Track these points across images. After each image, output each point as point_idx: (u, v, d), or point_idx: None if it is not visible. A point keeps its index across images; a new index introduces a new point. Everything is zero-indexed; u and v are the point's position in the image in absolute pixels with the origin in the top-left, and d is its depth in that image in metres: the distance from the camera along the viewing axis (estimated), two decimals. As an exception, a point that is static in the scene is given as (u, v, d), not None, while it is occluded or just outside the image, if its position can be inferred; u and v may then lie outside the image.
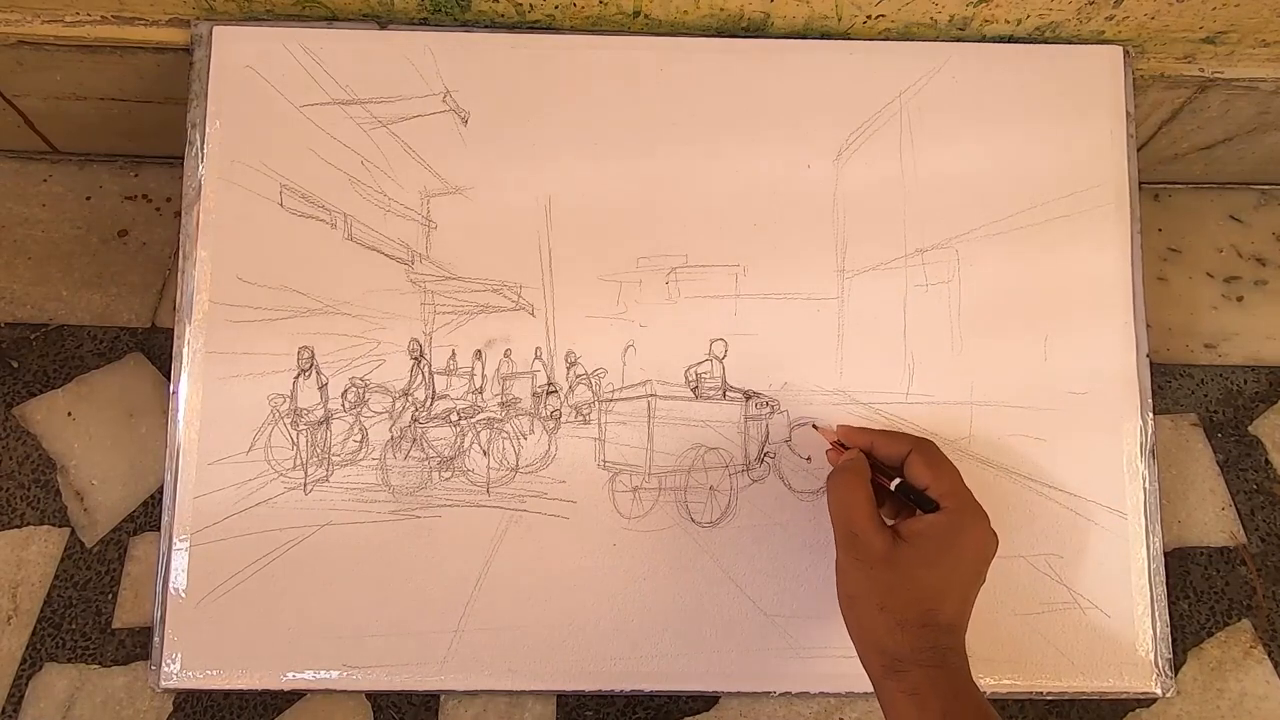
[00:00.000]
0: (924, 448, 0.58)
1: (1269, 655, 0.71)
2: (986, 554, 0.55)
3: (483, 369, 0.65)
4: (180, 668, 0.61)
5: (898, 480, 0.57)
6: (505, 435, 0.65)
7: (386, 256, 0.65)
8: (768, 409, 0.65)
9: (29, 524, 0.71)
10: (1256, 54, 0.69)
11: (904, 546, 0.54)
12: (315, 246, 0.65)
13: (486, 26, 0.67)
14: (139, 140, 0.78)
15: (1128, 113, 0.68)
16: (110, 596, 0.69)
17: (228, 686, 0.62)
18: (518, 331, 0.65)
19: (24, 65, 0.69)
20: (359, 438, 0.64)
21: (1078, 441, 0.65)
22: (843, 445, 0.61)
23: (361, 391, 0.65)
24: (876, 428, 0.62)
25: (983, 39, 0.68)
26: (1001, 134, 0.67)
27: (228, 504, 0.62)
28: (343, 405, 0.64)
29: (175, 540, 0.62)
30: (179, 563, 0.62)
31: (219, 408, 0.63)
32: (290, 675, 0.62)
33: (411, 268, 0.65)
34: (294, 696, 0.67)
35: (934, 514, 0.55)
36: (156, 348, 0.75)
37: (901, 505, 0.59)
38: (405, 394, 0.65)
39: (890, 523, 0.56)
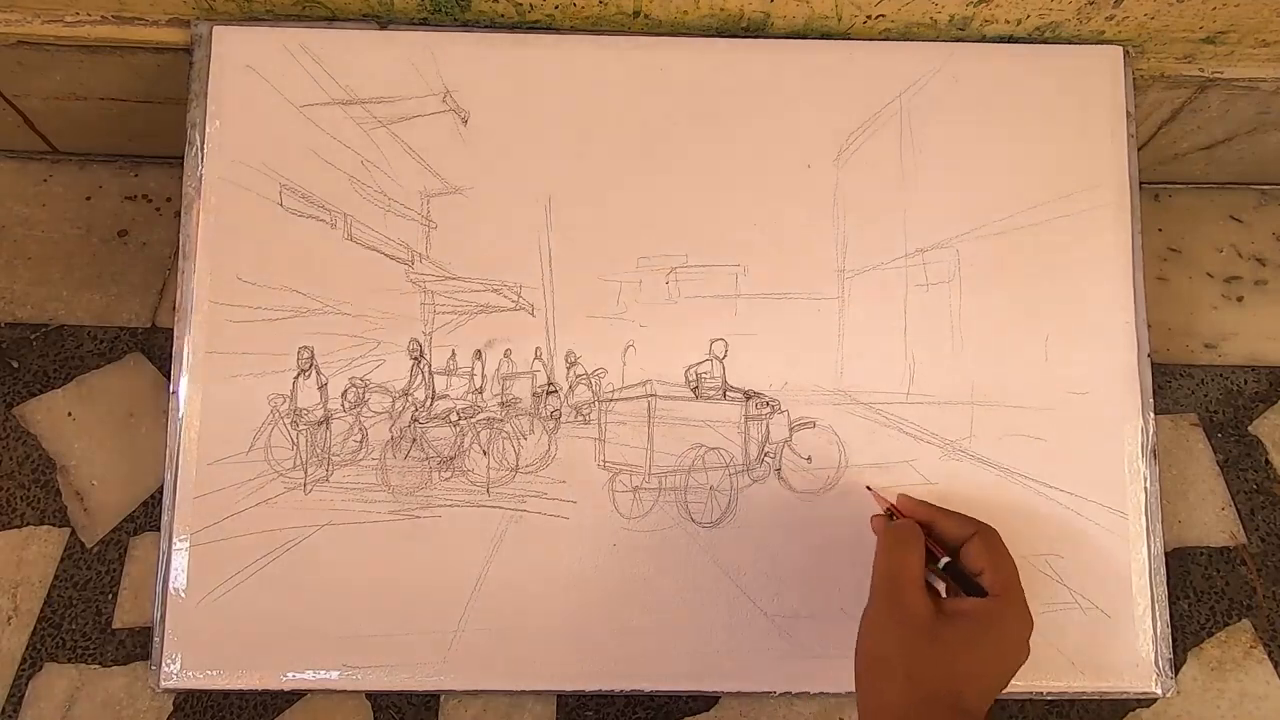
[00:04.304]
0: (988, 535, 0.57)
1: (1269, 655, 0.71)
2: (1023, 652, 0.54)
3: (483, 369, 0.65)
4: (180, 668, 0.61)
5: (947, 560, 0.56)
6: (505, 435, 0.65)
7: (386, 256, 0.65)
8: (768, 409, 0.65)
9: (29, 524, 0.71)
10: (1256, 54, 0.69)
11: (945, 622, 0.52)
12: (315, 246, 0.65)
13: (486, 26, 0.67)
14: (139, 140, 0.78)
15: (1128, 113, 0.68)
16: (110, 596, 0.69)
17: (228, 686, 0.62)
18: (518, 331, 0.65)
19: (24, 65, 0.69)
20: (359, 438, 0.64)
21: (1078, 441, 0.65)
22: (891, 514, 0.60)
23: (361, 391, 0.65)
24: (936, 504, 0.60)
25: (983, 39, 0.68)
26: (1001, 134, 0.67)
27: (228, 504, 0.62)
28: (343, 405, 0.64)
29: (175, 540, 0.62)
30: (179, 563, 0.62)
31: (219, 408, 0.63)
32: (290, 675, 0.62)
33: (411, 268, 0.65)
34: (294, 696, 0.67)
35: (983, 599, 0.54)
36: (156, 348, 0.75)
37: (940, 582, 0.58)
38: (405, 394, 0.65)
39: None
